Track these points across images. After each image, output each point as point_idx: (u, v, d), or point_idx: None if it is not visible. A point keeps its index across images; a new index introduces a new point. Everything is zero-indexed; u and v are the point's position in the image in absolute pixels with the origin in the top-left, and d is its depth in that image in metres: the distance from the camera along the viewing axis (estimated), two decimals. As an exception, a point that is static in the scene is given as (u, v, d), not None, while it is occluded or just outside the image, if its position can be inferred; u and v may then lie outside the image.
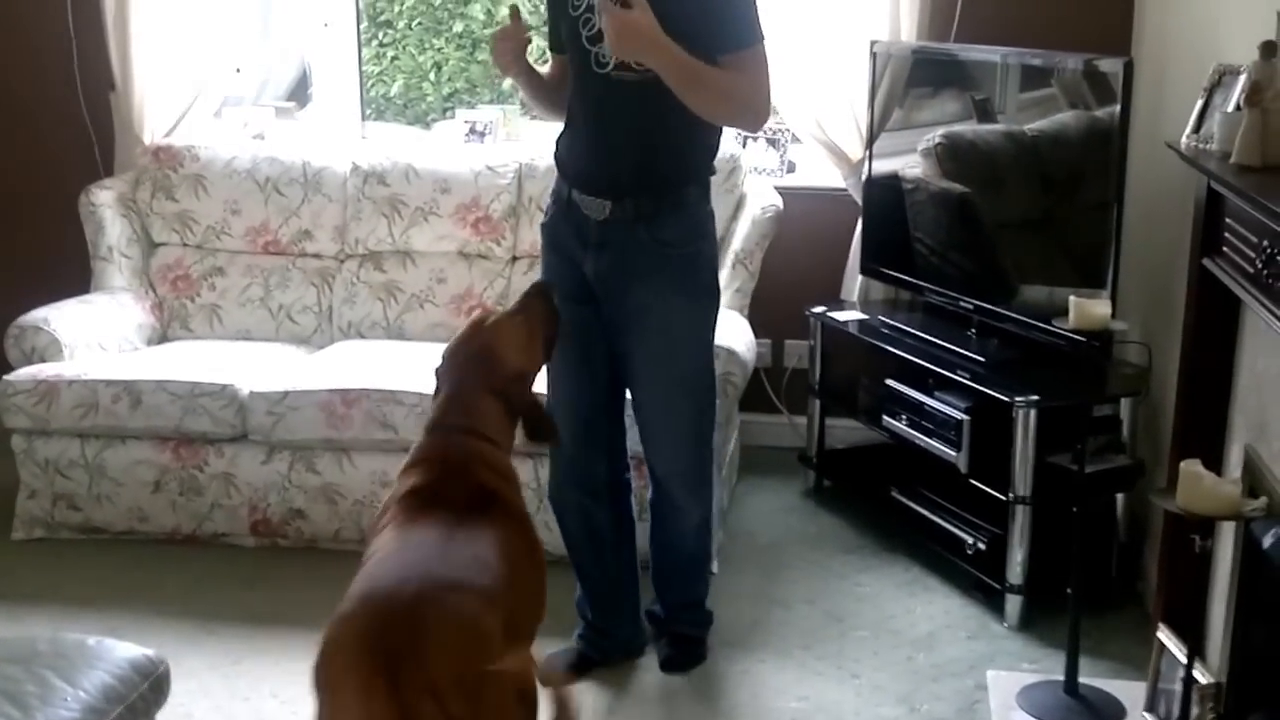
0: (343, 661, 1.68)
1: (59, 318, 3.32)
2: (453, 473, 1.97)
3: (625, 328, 2.40)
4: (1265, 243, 1.92)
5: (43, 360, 3.24)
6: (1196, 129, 2.34)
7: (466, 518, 1.91)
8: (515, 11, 2.37)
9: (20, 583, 3.01)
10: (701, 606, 2.70)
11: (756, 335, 3.23)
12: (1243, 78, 2.11)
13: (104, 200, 3.61)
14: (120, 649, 1.93)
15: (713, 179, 2.39)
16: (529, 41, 2.40)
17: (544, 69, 2.51)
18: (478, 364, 2.08)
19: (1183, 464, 2.00)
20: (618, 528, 2.62)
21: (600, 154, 2.35)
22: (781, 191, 3.43)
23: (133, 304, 3.56)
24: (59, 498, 3.19)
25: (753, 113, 2.30)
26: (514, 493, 2.04)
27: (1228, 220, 2.16)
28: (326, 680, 1.69)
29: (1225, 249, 2.17)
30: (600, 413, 2.52)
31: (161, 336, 3.60)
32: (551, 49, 2.48)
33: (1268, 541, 1.98)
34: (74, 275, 3.60)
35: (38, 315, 3.31)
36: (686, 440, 2.48)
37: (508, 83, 4.89)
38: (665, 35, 2.13)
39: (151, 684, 1.92)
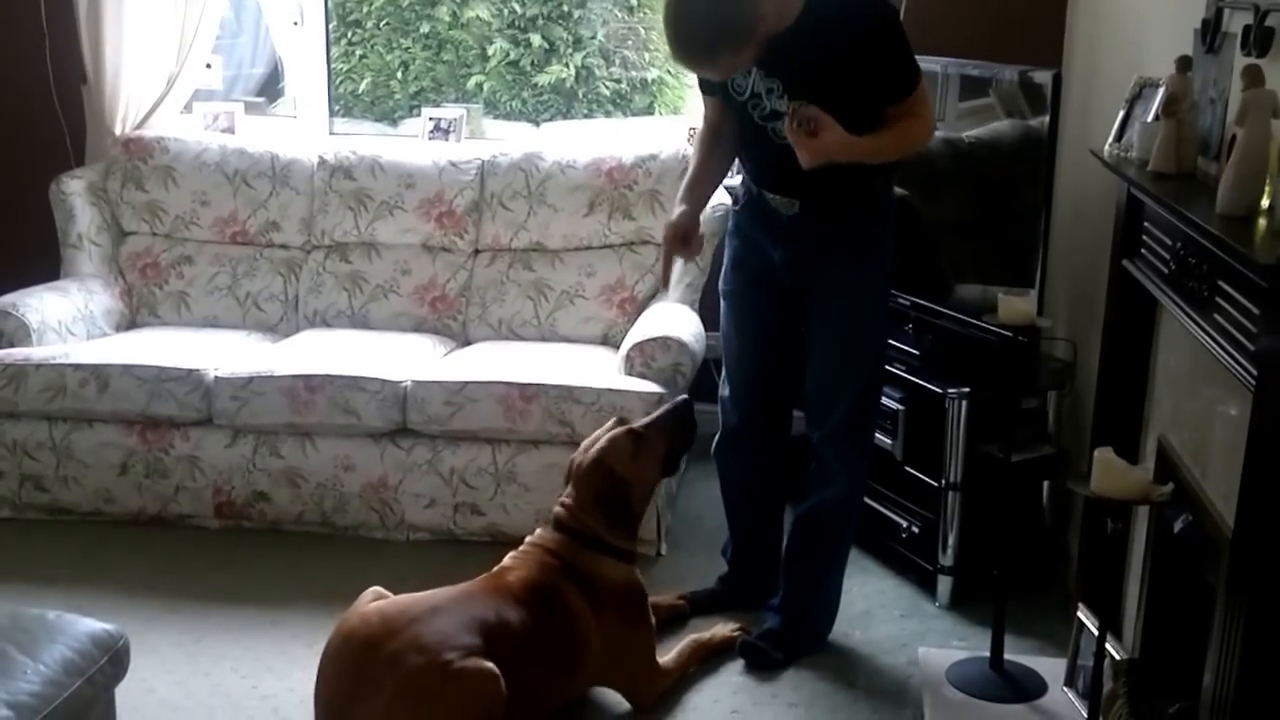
0: None
1: (27, 303, 3.36)
2: (534, 574, 2.39)
3: (811, 310, 2.57)
4: (1178, 245, 2.02)
5: (11, 344, 3.28)
6: (1119, 138, 2.44)
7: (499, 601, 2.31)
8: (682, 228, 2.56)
9: (-14, 562, 3.02)
10: (809, 616, 2.70)
11: (706, 328, 3.29)
12: (1161, 90, 2.19)
13: (74, 189, 3.65)
14: (80, 624, 1.94)
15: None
16: (699, 249, 2.64)
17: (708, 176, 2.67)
18: (589, 474, 2.47)
19: (1096, 451, 2.07)
20: (771, 485, 2.82)
21: (782, 177, 2.50)
22: (731, 192, 3.51)
23: (102, 290, 3.60)
24: (26, 479, 3.22)
25: (923, 142, 2.55)
26: (576, 593, 2.38)
27: (1146, 224, 2.26)
28: None
29: (1143, 251, 2.27)
30: (765, 379, 2.70)
31: (130, 323, 3.64)
32: (704, 92, 2.60)
33: (1177, 526, 2.09)
34: (44, 263, 3.65)
35: (6, 300, 3.35)
36: (849, 413, 2.59)
37: (472, 82, 5.00)
38: (848, 136, 2.29)
39: (111, 658, 1.93)
